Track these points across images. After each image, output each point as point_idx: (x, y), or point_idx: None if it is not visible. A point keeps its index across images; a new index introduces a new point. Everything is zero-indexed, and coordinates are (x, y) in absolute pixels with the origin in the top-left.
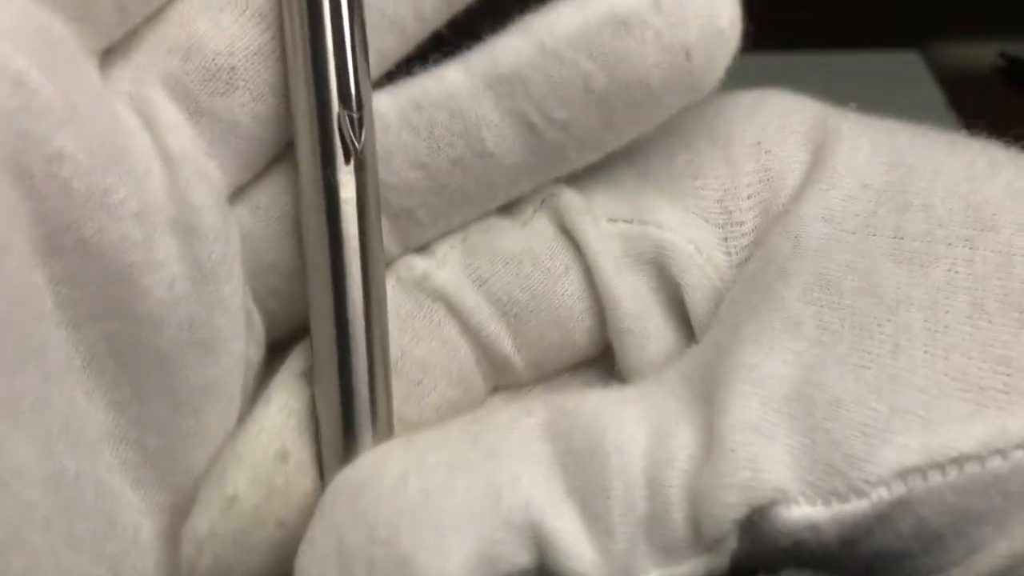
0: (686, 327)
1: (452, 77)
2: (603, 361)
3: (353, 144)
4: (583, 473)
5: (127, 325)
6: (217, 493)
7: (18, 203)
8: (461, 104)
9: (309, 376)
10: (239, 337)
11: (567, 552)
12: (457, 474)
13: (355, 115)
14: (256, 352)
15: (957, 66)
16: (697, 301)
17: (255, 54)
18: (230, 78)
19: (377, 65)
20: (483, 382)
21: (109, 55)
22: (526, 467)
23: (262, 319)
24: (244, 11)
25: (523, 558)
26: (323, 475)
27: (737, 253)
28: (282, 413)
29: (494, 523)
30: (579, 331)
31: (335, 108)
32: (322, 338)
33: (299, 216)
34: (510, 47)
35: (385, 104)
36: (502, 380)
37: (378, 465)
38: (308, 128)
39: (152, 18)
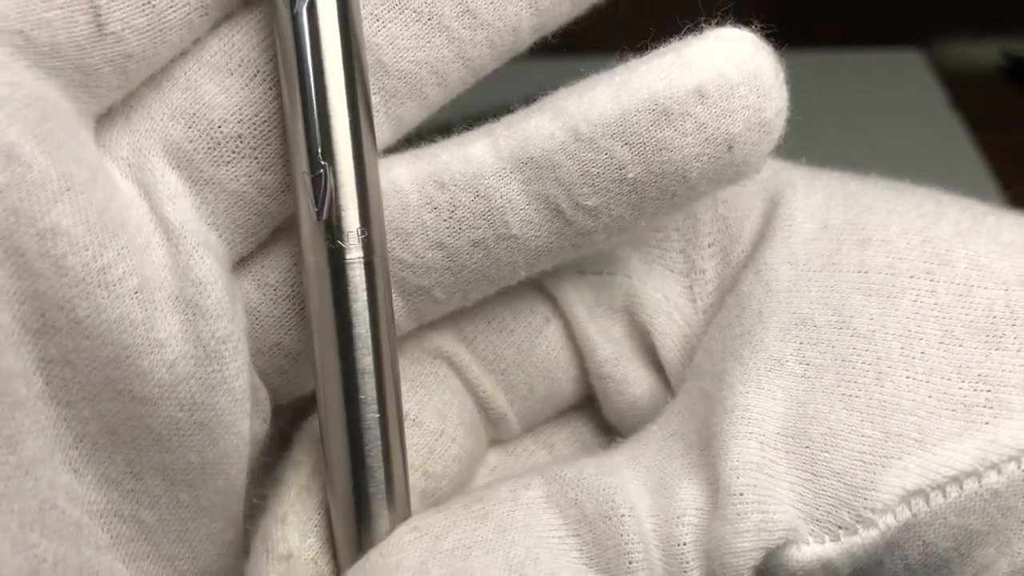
0: (662, 371)
1: (478, 156)
2: (587, 407)
3: (319, 206)
4: (600, 540)
5: (123, 406)
6: (270, 558)
7: (5, 281)
8: (486, 185)
9: None
10: (243, 417)
11: None
12: (475, 556)
13: (313, 175)
14: (262, 426)
15: (959, 65)
16: (668, 347)
17: (264, 122)
18: (236, 147)
19: (395, 131)
20: (484, 434)
21: (107, 116)
22: (541, 541)
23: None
24: (255, 76)
25: None
26: (337, 559)
27: (702, 299)
28: (319, 471)
29: None
30: (566, 380)
31: (306, 165)
32: (331, 425)
33: (303, 285)
34: (542, 130)
35: (406, 180)
36: (497, 436)
37: (393, 557)
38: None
39: (155, 78)
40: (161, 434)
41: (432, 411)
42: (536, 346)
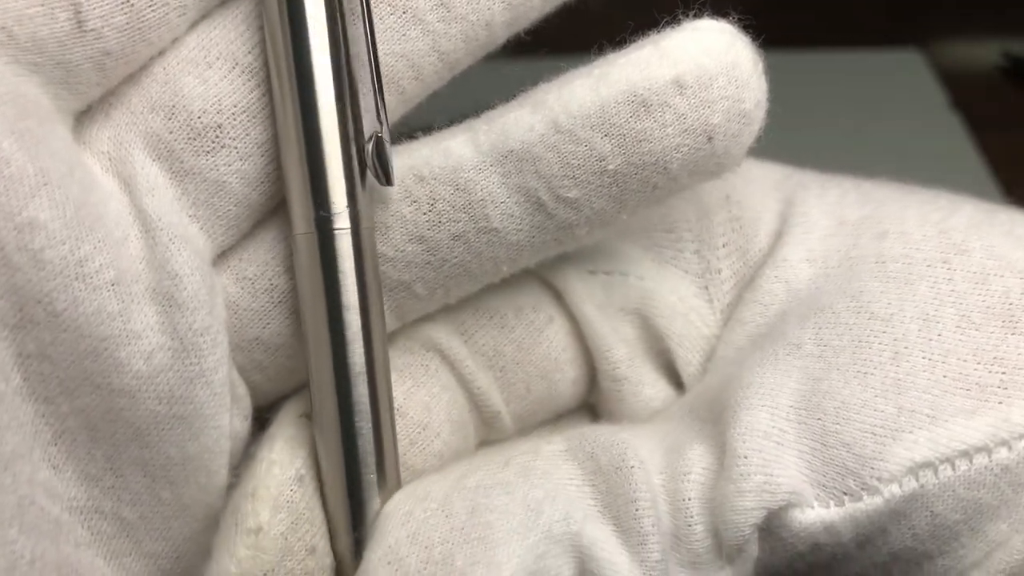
0: (673, 374)
1: (458, 150)
2: (583, 413)
3: (382, 168)
4: (612, 489)
5: (102, 399)
6: (238, 531)
7: None
8: (466, 179)
9: (310, 417)
10: (222, 411)
11: (607, 561)
12: (496, 494)
13: (389, 139)
14: (242, 424)
15: (959, 65)
16: (686, 349)
17: (243, 112)
18: (216, 136)
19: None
20: (474, 433)
21: (87, 112)
22: (559, 486)
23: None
24: (233, 67)
25: (566, 570)
26: (331, 532)
27: (719, 300)
28: (290, 444)
29: (538, 537)
30: (564, 382)
31: (340, 139)
32: (322, 392)
33: (293, 261)
34: (521, 122)
35: None
36: (489, 435)
37: (422, 490)
38: (299, 169)
39: (134, 75)
40: (140, 428)
41: (418, 403)
42: (537, 344)
